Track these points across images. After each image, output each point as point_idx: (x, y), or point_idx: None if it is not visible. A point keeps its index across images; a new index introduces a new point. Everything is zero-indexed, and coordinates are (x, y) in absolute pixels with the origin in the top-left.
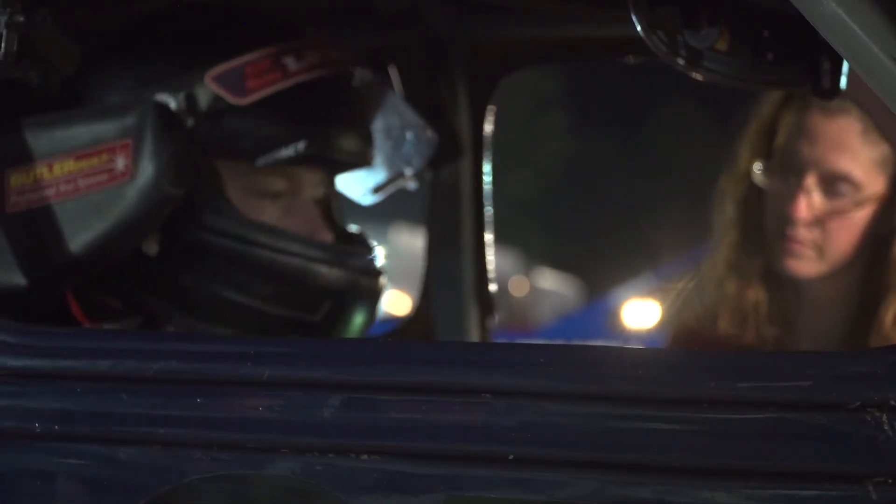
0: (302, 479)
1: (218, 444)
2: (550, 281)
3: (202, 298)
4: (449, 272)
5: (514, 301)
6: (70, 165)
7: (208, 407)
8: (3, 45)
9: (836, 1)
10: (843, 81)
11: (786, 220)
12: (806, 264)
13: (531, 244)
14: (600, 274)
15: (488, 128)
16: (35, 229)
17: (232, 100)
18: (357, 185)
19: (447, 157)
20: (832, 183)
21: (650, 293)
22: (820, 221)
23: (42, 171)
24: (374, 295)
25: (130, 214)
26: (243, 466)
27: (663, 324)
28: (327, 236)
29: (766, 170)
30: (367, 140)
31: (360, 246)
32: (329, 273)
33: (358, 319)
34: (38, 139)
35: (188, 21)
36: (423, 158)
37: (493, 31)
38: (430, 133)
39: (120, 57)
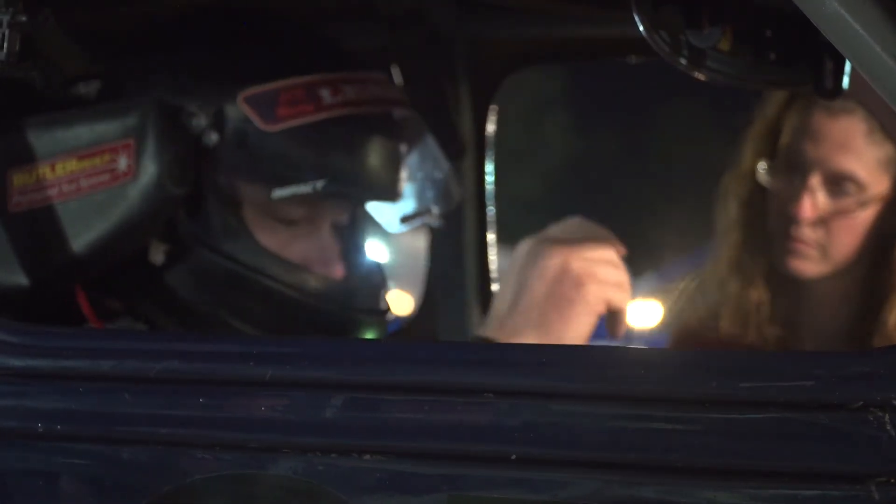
0: (304, 479)
1: (220, 444)
2: None
3: (200, 316)
4: (452, 272)
5: None
6: (72, 165)
7: (211, 407)
8: (5, 44)
9: (838, 0)
10: (846, 81)
11: (790, 219)
12: (809, 264)
13: None
14: None
15: (491, 127)
16: (38, 229)
17: (261, 125)
18: (386, 212)
19: (450, 157)
20: (836, 183)
21: (653, 293)
22: (824, 221)
23: (45, 171)
24: (375, 334)
25: (133, 214)
26: (246, 466)
27: (666, 324)
28: (338, 271)
29: (771, 169)
30: (395, 177)
31: (370, 283)
32: (330, 311)
33: None
34: (41, 139)
35: (230, 35)
36: (448, 204)
37: (496, 31)
38: (457, 187)
39: (158, 63)
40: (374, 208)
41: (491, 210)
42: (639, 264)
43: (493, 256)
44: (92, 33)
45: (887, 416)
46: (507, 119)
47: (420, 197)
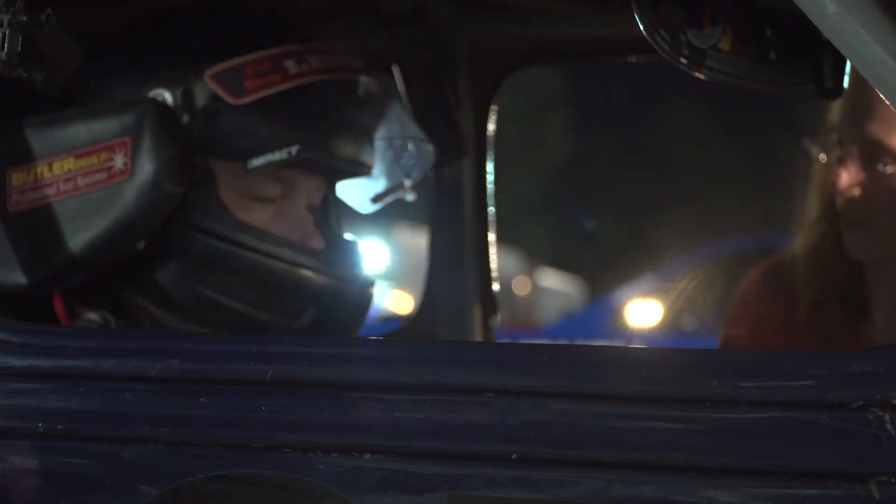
0: (305, 479)
1: (221, 444)
2: (553, 280)
3: (185, 297)
4: (452, 271)
5: (518, 300)
6: (70, 164)
7: (212, 406)
8: (6, 44)
9: (838, 0)
10: (846, 81)
11: (836, 195)
12: (858, 242)
13: (534, 243)
14: (604, 273)
15: (491, 127)
16: (36, 228)
17: (229, 99)
18: (356, 194)
19: (450, 157)
20: (873, 155)
21: (653, 293)
22: (864, 195)
23: (42, 169)
24: (360, 305)
25: (130, 213)
26: (247, 466)
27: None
28: (318, 243)
29: (820, 146)
30: (365, 147)
31: (351, 255)
32: (314, 280)
33: (341, 329)
34: (39, 138)
35: (193, 19)
36: (422, 170)
37: (497, 31)
38: (430, 146)
39: (123, 51)
40: (345, 190)
41: (491, 210)
42: (638, 264)
43: (493, 256)
44: (87, 32)
45: (887, 416)
46: (507, 119)
47: (391, 172)
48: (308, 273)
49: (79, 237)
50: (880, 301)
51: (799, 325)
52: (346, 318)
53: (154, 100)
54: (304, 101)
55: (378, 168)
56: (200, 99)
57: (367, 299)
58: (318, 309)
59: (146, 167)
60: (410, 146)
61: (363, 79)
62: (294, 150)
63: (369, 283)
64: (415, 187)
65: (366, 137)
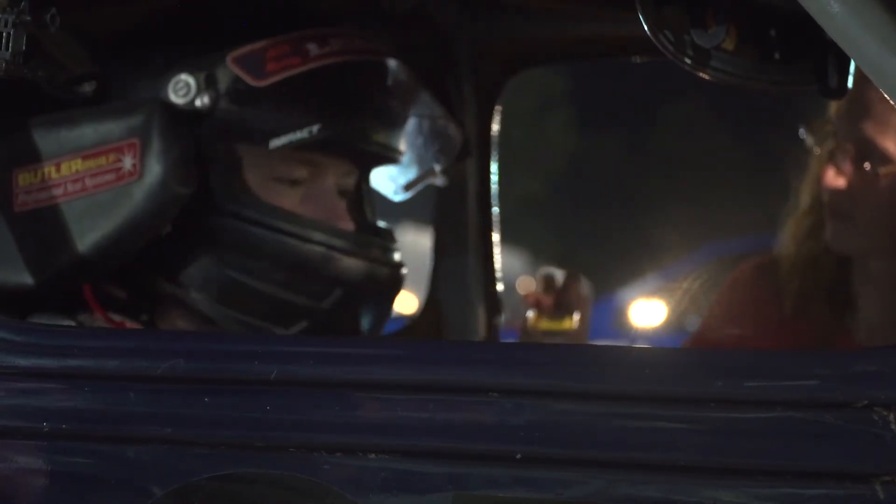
0: (310, 479)
1: (226, 444)
2: (559, 279)
3: (211, 281)
4: (456, 272)
5: (522, 300)
6: (77, 165)
7: (216, 406)
8: (11, 45)
9: (842, 0)
10: (850, 81)
11: (821, 190)
12: (842, 237)
13: (538, 243)
14: (607, 273)
15: (495, 127)
16: (43, 229)
17: (251, 81)
18: (388, 183)
19: (454, 158)
20: (861, 152)
21: (657, 292)
22: (850, 192)
23: (50, 170)
24: (389, 287)
25: (138, 214)
26: (252, 465)
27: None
28: (347, 225)
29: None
30: (392, 131)
31: (381, 238)
32: (341, 260)
33: (369, 310)
34: (46, 139)
35: (215, 5)
36: (451, 154)
37: (500, 31)
38: (457, 128)
39: (145, 43)
40: (377, 180)
41: (495, 210)
42: (642, 263)
43: (497, 256)
44: (91, 33)
45: (892, 416)
46: (511, 119)
47: (421, 157)
48: (333, 252)
49: (86, 237)
50: (863, 296)
51: (783, 320)
52: (373, 300)
53: (162, 101)
54: (325, 82)
55: (408, 155)
56: (223, 82)
57: (395, 282)
58: (344, 289)
59: (155, 169)
60: (438, 128)
61: (391, 64)
62: (315, 129)
63: (398, 267)
64: (445, 171)
65: (392, 121)
